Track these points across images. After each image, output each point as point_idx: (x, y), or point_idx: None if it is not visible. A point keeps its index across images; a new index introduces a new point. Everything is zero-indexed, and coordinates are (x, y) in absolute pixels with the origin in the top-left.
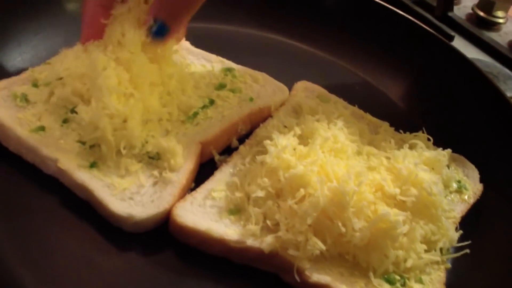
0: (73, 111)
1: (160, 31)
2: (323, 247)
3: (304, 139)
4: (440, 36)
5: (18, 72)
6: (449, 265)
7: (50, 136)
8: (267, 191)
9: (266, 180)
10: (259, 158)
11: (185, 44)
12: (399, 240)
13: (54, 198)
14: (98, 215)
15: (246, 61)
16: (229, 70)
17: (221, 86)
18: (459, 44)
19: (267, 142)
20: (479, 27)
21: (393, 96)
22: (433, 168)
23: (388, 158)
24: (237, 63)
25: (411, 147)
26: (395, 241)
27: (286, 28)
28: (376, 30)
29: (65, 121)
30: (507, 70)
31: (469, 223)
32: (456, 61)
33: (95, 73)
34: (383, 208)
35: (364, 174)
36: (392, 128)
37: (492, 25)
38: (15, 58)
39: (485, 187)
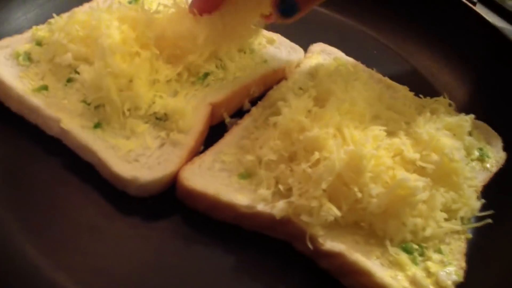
0: (76, 71)
1: (289, 10)
2: (338, 213)
3: (320, 102)
4: (465, 1)
5: (21, 31)
6: (470, 235)
7: (53, 96)
8: (279, 154)
9: (279, 142)
10: (272, 119)
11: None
12: (418, 208)
13: (56, 160)
14: (102, 178)
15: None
16: None
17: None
18: (481, 11)
19: (281, 103)
20: None
21: (414, 62)
22: (455, 134)
23: (407, 123)
24: None
25: (432, 112)
26: (414, 208)
27: None
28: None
29: (69, 80)
30: None
31: (491, 192)
32: (480, 27)
33: (98, 32)
34: (402, 173)
35: (382, 138)
36: (412, 93)
37: None
38: (18, 16)
39: (508, 156)
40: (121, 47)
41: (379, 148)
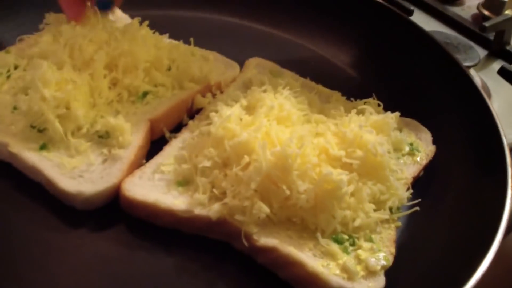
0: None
1: (105, 3)
2: (267, 210)
3: (250, 110)
4: (392, 7)
5: None
6: (399, 224)
7: (1, 122)
8: (213, 161)
9: (212, 150)
10: (204, 129)
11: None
12: (346, 200)
13: (6, 182)
14: (50, 196)
15: (198, 43)
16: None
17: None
18: (419, 17)
19: (213, 114)
20: (441, 1)
21: (348, 68)
22: (381, 131)
23: (336, 124)
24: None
25: (359, 112)
26: (341, 201)
27: (238, 9)
28: (330, 5)
29: (16, 107)
30: (467, 41)
31: (423, 184)
32: (410, 32)
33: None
34: (326, 169)
35: (306, 138)
36: (344, 97)
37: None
38: None
39: (438, 149)
40: (56, 74)
41: (304, 147)
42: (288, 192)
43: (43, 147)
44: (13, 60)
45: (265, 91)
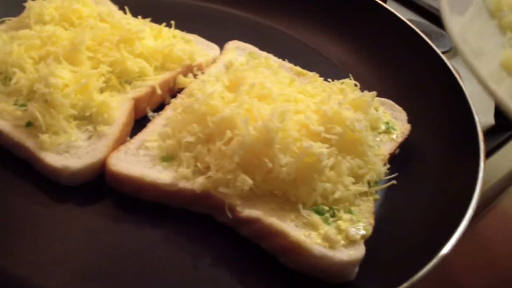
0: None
1: None
2: (250, 182)
3: (232, 88)
4: None
5: None
6: (377, 196)
7: None
8: (197, 136)
9: (195, 126)
10: (188, 106)
11: None
12: (326, 174)
13: None
14: (36, 172)
15: (178, 26)
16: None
17: None
18: (392, 7)
19: (196, 91)
20: None
21: (324, 51)
22: (359, 109)
23: (315, 103)
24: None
25: (337, 92)
26: (321, 174)
27: None
28: None
29: (2, 85)
30: (439, 29)
31: (399, 161)
32: (385, 18)
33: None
34: (307, 142)
35: (287, 113)
36: (322, 78)
37: None
38: None
39: (413, 128)
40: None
41: (285, 122)
42: (270, 165)
43: (29, 124)
44: None
45: (246, 70)
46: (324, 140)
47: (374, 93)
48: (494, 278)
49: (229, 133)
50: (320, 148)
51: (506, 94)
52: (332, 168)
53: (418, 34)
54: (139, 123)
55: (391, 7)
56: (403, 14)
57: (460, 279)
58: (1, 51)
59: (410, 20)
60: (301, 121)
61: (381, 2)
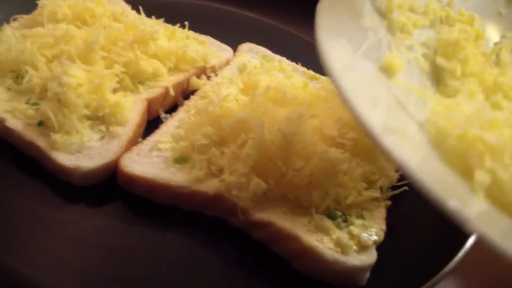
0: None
1: None
2: (264, 186)
3: (246, 91)
4: None
5: None
6: (389, 202)
7: None
8: (211, 139)
9: (209, 128)
10: (202, 108)
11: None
12: (339, 179)
13: (2, 159)
14: (47, 172)
15: (193, 28)
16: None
17: None
18: None
19: (210, 93)
20: None
21: None
22: None
23: (330, 107)
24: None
25: None
26: (335, 179)
27: None
28: None
29: (15, 83)
30: None
31: None
32: None
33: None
34: (321, 147)
35: (303, 117)
36: None
37: None
38: None
39: None
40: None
41: (300, 126)
42: (284, 169)
43: (41, 123)
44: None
45: (260, 73)
46: (338, 145)
47: None
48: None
49: (243, 136)
50: (334, 153)
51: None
52: (345, 173)
53: None
54: (151, 124)
55: None
56: None
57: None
58: (14, 49)
59: None
60: (315, 125)
61: None
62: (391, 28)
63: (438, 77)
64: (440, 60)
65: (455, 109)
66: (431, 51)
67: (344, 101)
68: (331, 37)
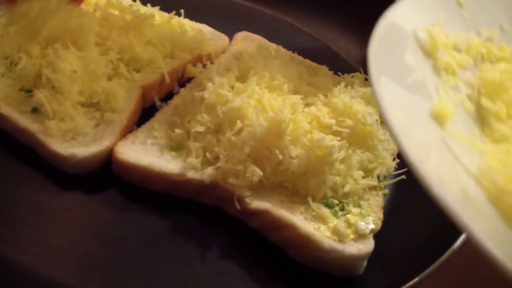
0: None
1: None
2: (260, 173)
3: (242, 79)
4: None
5: None
6: (386, 191)
7: None
8: (206, 126)
9: (205, 115)
10: (197, 94)
11: None
12: (336, 167)
13: None
14: (41, 160)
15: (189, 16)
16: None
17: None
18: None
19: (206, 81)
20: None
21: (334, 46)
22: (370, 103)
23: (326, 95)
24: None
25: (347, 84)
26: (332, 167)
27: None
28: None
29: (8, 70)
30: None
31: None
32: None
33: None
34: (318, 134)
35: (298, 105)
36: (331, 72)
37: None
38: None
39: None
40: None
41: (296, 113)
42: (280, 156)
43: (35, 110)
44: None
45: (256, 61)
46: (335, 133)
47: None
48: None
49: (239, 124)
50: (331, 140)
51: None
52: (342, 161)
53: None
54: (147, 111)
55: None
56: None
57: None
58: (6, 35)
59: None
60: (312, 113)
61: None
62: (437, 69)
63: (483, 119)
64: (485, 102)
65: (510, 164)
66: (475, 91)
67: (399, 147)
68: (384, 78)
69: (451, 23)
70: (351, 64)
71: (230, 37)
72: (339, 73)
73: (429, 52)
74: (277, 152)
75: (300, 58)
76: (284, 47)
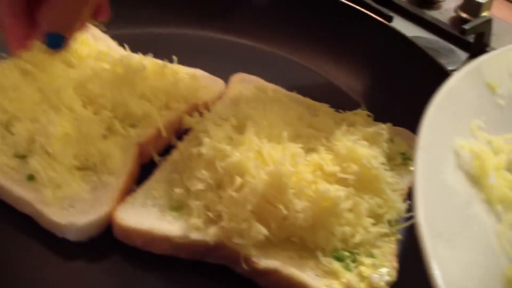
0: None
1: (54, 43)
2: (265, 231)
3: (240, 129)
4: (375, 16)
5: None
6: (399, 236)
7: None
8: (206, 183)
9: (204, 172)
10: (195, 151)
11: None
12: (344, 216)
13: None
14: (41, 228)
15: (181, 61)
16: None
17: None
18: (399, 24)
19: (202, 134)
20: (419, 6)
21: (334, 80)
22: (374, 143)
23: (328, 138)
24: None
25: (350, 124)
26: (340, 217)
27: (218, 24)
28: (311, 17)
29: (1, 136)
30: (448, 44)
31: None
32: (392, 38)
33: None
34: (323, 186)
35: (300, 155)
36: (332, 109)
37: (433, 4)
38: None
39: None
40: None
41: (298, 165)
42: (285, 211)
43: (30, 178)
44: None
45: (254, 108)
46: (340, 181)
47: (389, 125)
48: None
49: (239, 179)
50: (337, 191)
51: None
52: (350, 210)
53: (426, 53)
54: (145, 168)
55: (397, 23)
56: (410, 30)
57: None
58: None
59: (417, 37)
60: (314, 161)
61: (389, 24)
62: (489, 202)
63: None
64: None
65: None
66: None
67: None
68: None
69: (489, 120)
70: (353, 97)
71: (226, 79)
72: (340, 110)
73: (477, 180)
74: (281, 207)
75: (300, 97)
76: (283, 84)
